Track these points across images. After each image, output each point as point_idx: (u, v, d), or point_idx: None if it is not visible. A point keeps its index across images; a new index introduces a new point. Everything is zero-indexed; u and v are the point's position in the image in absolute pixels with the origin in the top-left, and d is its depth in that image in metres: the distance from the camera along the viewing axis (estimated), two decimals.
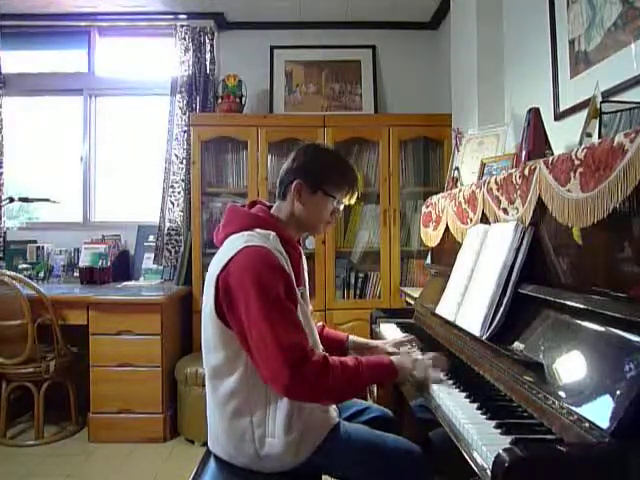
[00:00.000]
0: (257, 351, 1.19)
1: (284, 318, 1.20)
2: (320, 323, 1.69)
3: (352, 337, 1.72)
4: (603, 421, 0.85)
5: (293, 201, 1.39)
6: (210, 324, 1.28)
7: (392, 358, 1.33)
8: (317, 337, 1.43)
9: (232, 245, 1.27)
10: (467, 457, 0.97)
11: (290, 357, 1.15)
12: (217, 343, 1.27)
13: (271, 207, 1.44)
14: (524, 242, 1.32)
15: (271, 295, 1.19)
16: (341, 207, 1.45)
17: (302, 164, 1.40)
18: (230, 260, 1.23)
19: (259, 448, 1.24)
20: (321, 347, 1.44)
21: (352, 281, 3.26)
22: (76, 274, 3.33)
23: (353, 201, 1.46)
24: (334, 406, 1.40)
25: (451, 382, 1.30)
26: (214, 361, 1.28)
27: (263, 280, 1.20)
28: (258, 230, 1.30)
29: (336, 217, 1.46)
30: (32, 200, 3.28)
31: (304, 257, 1.49)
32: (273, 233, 1.30)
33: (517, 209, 1.38)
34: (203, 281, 3.07)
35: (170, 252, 3.31)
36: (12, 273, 2.75)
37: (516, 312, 1.29)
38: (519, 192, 1.37)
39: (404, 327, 2.01)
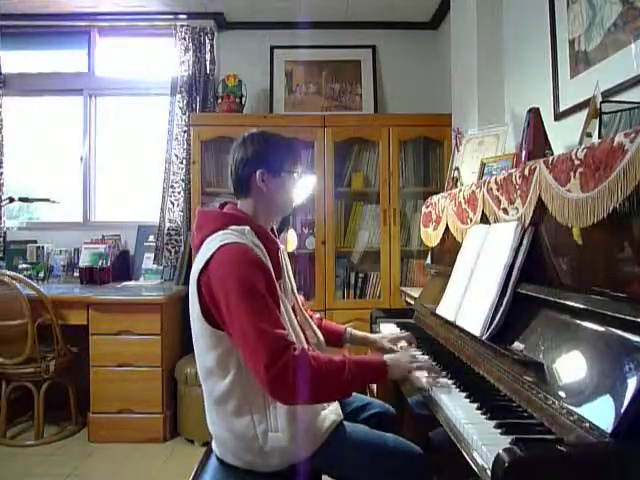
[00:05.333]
0: (240, 346, 1.19)
1: (264, 312, 1.19)
2: (318, 315, 1.70)
3: (350, 330, 1.72)
4: (603, 421, 0.85)
5: (260, 191, 1.39)
6: (198, 327, 1.28)
7: (386, 357, 1.30)
8: (300, 332, 1.39)
9: (208, 247, 1.27)
10: (467, 457, 0.97)
11: (269, 351, 1.14)
12: (208, 345, 1.26)
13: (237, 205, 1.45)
14: (524, 242, 1.32)
15: (251, 290, 1.19)
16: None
17: (255, 154, 1.40)
18: (208, 262, 1.24)
19: (263, 444, 1.24)
20: (305, 343, 1.41)
21: (352, 281, 3.26)
22: (76, 274, 3.33)
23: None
24: (337, 404, 1.40)
25: (451, 382, 1.30)
26: (206, 363, 1.28)
27: (242, 275, 1.20)
28: (232, 227, 1.30)
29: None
30: (32, 200, 3.28)
31: (283, 249, 1.48)
32: (247, 227, 1.31)
33: (517, 209, 1.38)
34: None
35: (170, 252, 3.31)
36: (12, 273, 2.75)
37: (516, 312, 1.29)
38: (519, 192, 1.37)
39: (404, 327, 2.01)
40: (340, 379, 1.21)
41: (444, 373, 1.36)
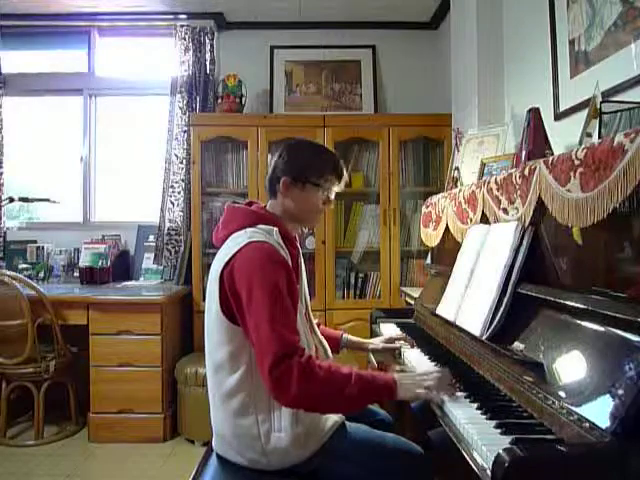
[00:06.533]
0: (252, 339, 1.20)
1: (282, 313, 1.20)
2: (316, 320, 1.70)
3: (346, 335, 1.72)
4: (603, 421, 0.85)
5: (283, 198, 1.42)
6: (215, 321, 1.28)
7: (396, 376, 1.26)
8: (310, 340, 1.40)
9: (236, 242, 1.29)
10: (467, 457, 0.97)
11: (276, 353, 1.14)
12: (222, 339, 1.27)
13: (265, 206, 1.46)
14: (524, 242, 1.32)
15: (274, 289, 1.20)
16: (332, 195, 1.47)
17: (286, 161, 1.42)
18: (234, 256, 1.25)
19: (265, 444, 1.24)
20: (314, 351, 1.42)
21: (352, 281, 3.26)
22: (76, 274, 3.33)
23: (342, 187, 1.49)
24: None
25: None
26: (218, 357, 1.28)
27: (267, 273, 1.21)
28: (261, 226, 1.32)
29: (329, 205, 1.49)
30: (32, 200, 3.28)
31: (301, 256, 1.49)
32: (276, 228, 1.33)
33: (517, 209, 1.38)
34: (203, 281, 3.11)
35: (170, 252, 3.31)
36: (12, 273, 2.75)
37: (516, 312, 1.29)
38: (519, 192, 1.37)
39: (404, 327, 2.01)
40: (343, 392, 1.18)
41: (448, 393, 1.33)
